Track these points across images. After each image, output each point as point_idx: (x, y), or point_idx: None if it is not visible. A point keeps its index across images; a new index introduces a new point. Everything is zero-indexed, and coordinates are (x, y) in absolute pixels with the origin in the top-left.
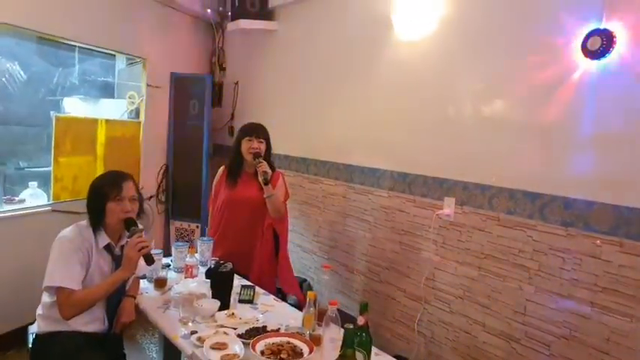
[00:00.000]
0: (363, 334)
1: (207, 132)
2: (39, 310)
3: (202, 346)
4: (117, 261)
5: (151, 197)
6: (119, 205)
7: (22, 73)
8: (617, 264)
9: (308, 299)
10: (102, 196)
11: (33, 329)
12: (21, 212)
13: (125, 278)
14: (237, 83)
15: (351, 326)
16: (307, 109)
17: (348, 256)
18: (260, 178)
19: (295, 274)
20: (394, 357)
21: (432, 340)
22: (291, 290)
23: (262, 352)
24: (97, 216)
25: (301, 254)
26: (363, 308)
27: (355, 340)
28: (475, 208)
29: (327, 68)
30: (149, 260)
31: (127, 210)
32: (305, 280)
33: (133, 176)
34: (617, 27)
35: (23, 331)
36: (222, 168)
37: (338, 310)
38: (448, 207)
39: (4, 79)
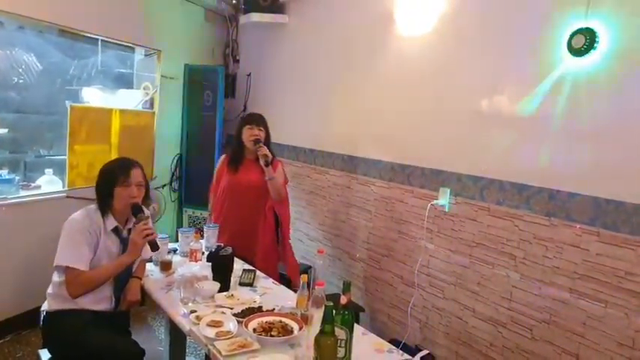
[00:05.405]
0: (346, 312)
1: (221, 122)
2: (49, 290)
3: (199, 324)
4: (124, 243)
5: (164, 185)
6: (126, 190)
7: (37, 64)
8: (595, 252)
9: (302, 282)
10: (110, 181)
11: (44, 307)
12: (36, 198)
13: (130, 262)
14: (249, 75)
15: (331, 304)
16: (315, 102)
17: (351, 244)
18: (261, 161)
19: (302, 261)
20: (389, 341)
21: (426, 324)
22: (295, 275)
23: (254, 330)
24: (105, 199)
25: (307, 242)
26: (346, 288)
27: (338, 318)
28: (468, 198)
29: (333, 62)
30: (154, 247)
31: (134, 195)
32: (310, 267)
33: (141, 164)
34: (600, 26)
35: (36, 311)
36: (223, 156)
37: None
38: (443, 197)
39: (20, 69)
